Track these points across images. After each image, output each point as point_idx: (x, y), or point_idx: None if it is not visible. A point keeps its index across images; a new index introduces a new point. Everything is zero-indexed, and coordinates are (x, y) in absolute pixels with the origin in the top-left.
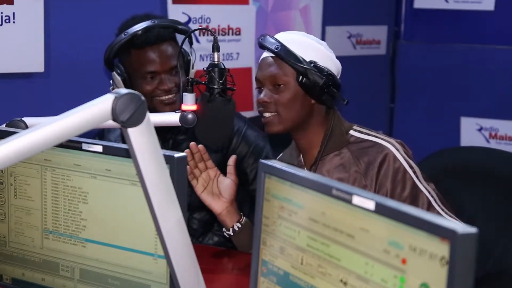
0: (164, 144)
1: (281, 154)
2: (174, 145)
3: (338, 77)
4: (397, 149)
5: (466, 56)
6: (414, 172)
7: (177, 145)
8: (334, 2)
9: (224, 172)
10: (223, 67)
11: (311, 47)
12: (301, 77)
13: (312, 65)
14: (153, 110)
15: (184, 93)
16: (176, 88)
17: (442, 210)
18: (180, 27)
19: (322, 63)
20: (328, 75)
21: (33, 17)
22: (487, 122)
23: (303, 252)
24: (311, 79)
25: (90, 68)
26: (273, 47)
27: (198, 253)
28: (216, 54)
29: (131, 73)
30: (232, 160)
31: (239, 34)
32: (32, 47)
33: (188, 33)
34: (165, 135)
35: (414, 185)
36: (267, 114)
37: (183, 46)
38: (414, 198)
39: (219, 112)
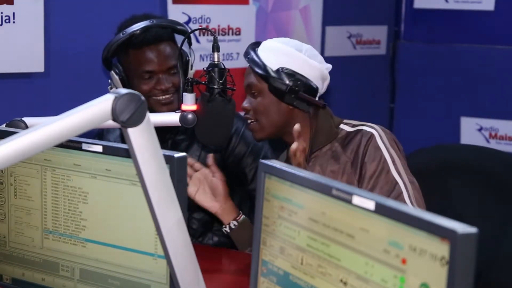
0: (163, 145)
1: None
2: (173, 145)
3: (323, 82)
4: (380, 136)
5: (466, 56)
6: (393, 161)
7: (176, 145)
8: (334, 2)
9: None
10: (223, 67)
11: (285, 53)
12: (267, 83)
13: (278, 71)
14: (151, 110)
15: (184, 93)
16: (173, 88)
17: (412, 204)
18: (178, 27)
19: (295, 68)
20: (296, 80)
21: (33, 17)
22: (487, 122)
23: (303, 252)
24: (274, 85)
25: (90, 68)
26: (245, 57)
27: (198, 253)
28: (216, 54)
29: (129, 73)
30: (211, 159)
31: (239, 34)
32: (32, 47)
33: (187, 34)
34: (164, 135)
35: (388, 172)
36: (249, 121)
37: (182, 47)
38: (388, 186)
39: (219, 112)
